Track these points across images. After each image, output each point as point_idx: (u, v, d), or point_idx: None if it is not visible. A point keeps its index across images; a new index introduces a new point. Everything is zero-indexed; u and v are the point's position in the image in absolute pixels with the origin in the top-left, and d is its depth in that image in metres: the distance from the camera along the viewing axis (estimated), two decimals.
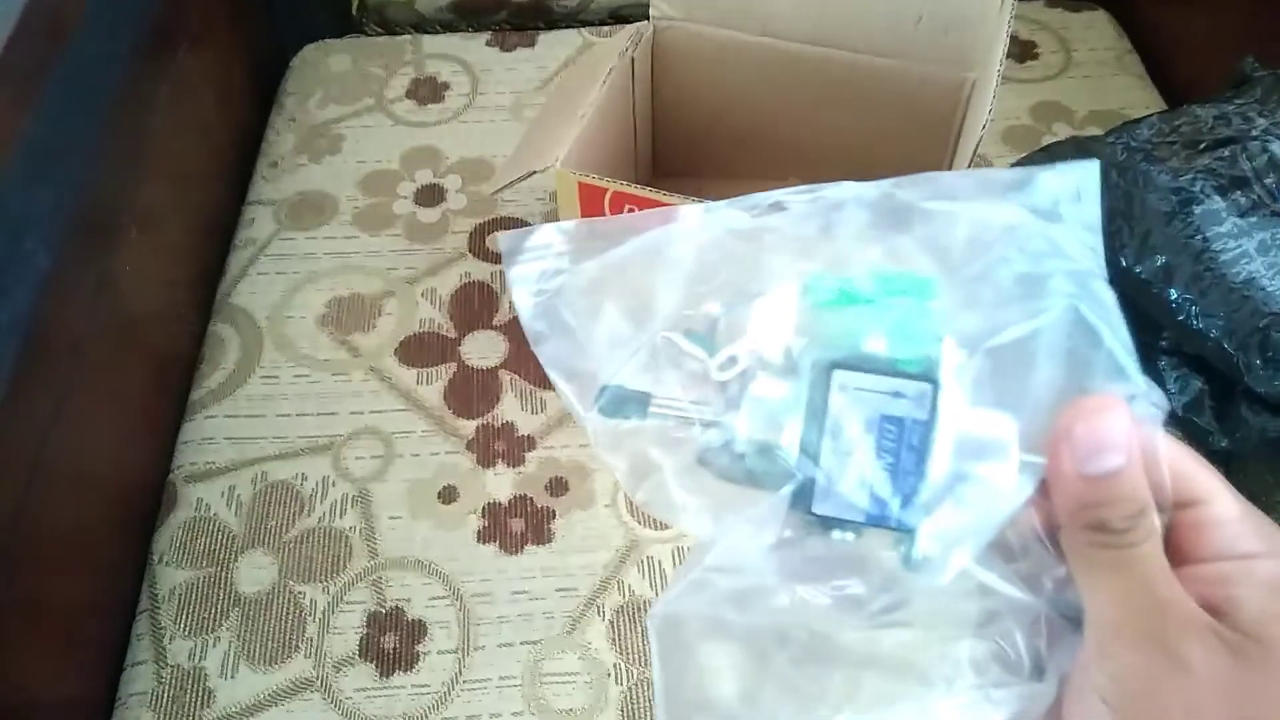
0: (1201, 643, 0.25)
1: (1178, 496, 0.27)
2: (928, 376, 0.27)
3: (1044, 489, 0.27)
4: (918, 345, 0.28)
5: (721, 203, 0.31)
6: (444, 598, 0.69)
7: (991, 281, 0.28)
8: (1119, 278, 0.66)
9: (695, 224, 0.30)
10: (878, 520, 0.27)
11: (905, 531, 0.27)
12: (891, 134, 0.79)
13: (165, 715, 0.64)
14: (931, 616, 0.29)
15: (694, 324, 0.29)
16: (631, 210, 0.68)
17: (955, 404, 0.27)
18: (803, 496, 0.28)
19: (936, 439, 0.27)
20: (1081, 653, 0.27)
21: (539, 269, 0.30)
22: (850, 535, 0.28)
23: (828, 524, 0.28)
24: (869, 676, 0.29)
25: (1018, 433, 0.27)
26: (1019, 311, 0.28)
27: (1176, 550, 0.27)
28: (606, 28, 1.10)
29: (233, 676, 0.66)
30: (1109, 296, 0.28)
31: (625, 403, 0.29)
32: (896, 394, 0.27)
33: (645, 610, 0.69)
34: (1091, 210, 0.30)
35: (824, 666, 0.29)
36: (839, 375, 0.27)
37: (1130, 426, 0.27)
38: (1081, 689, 0.27)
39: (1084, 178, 0.30)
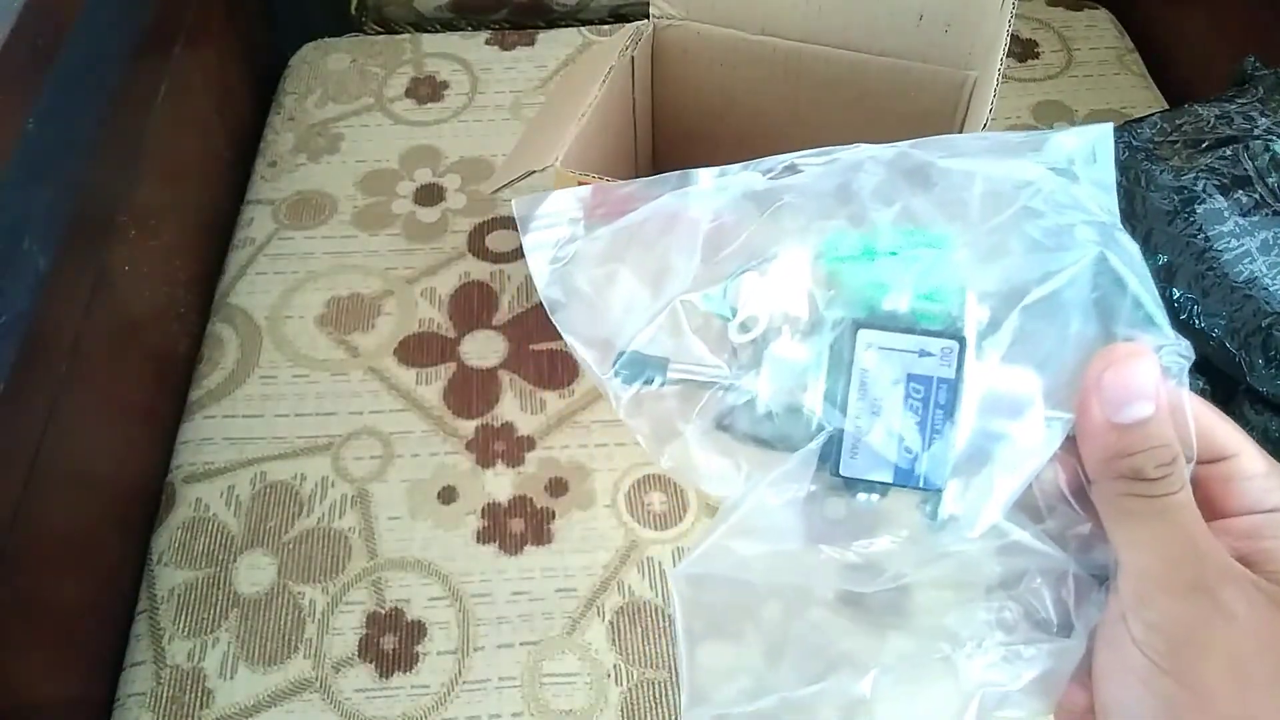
0: (1242, 591, 0.25)
1: (1204, 451, 0.27)
2: (954, 333, 0.27)
3: (1069, 446, 0.27)
4: (942, 299, 0.27)
5: (736, 166, 0.30)
6: (443, 598, 0.69)
7: (1013, 235, 0.28)
8: None
9: (710, 187, 0.30)
10: (905, 480, 0.27)
11: (933, 491, 0.27)
12: (892, 133, 0.79)
13: (164, 716, 0.64)
14: (958, 575, 0.29)
15: (712, 287, 0.29)
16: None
17: (980, 360, 0.27)
18: (828, 456, 0.27)
19: (963, 396, 0.27)
20: (1112, 606, 0.27)
21: (554, 236, 0.30)
22: (876, 497, 0.28)
23: (854, 486, 0.28)
24: (896, 636, 0.29)
25: (1042, 389, 0.27)
26: (1043, 263, 0.28)
27: (1205, 504, 0.27)
28: (606, 27, 1.09)
29: (232, 677, 0.66)
30: (1133, 247, 0.28)
31: (644, 367, 0.29)
32: (923, 352, 0.27)
33: (645, 611, 0.68)
34: (1106, 171, 0.29)
35: (850, 627, 0.29)
36: (865, 334, 0.27)
37: (1159, 375, 0.26)
38: (1115, 641, 0.27)
39: (1099, 139, 0.29)
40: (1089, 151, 0.29)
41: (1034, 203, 0.28)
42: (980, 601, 0.29)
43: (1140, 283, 0.28)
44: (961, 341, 0.27)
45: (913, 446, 0.27)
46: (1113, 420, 0.26)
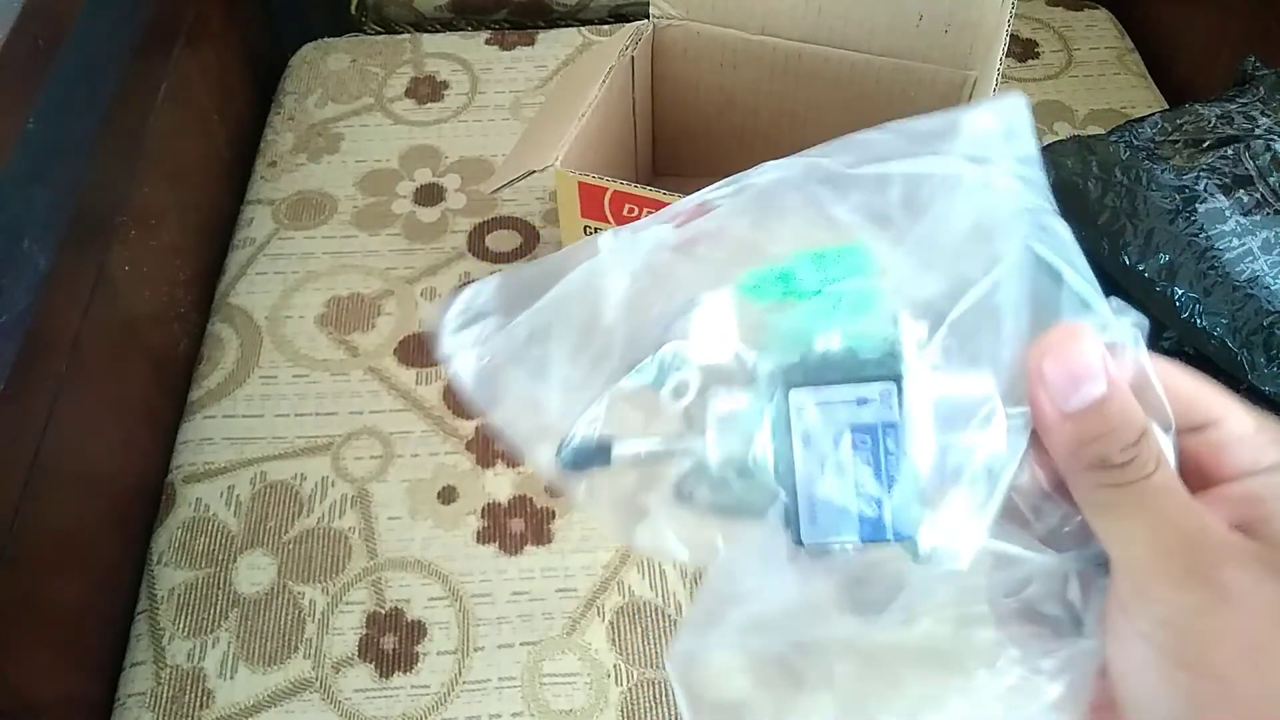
0: (1243, 568, 0.23)
1: (1188, 419, 0.26)
2: (890, 372, 0.26)
3: (1037, 441, 0.26)
4: (873, 328, 0.26)
5: (641, 220, 0.29)
6: (443, 598, 0.69)
7: (940, 239, 0.27)
8: (1122, 276, 0.66)
9: (621, 248, 0.29)
10: (874, 534, 0.26)
11: (905, 539, 0.26)
12: None
13: (164, 716, 0.64)
14: (959, 605, 0.27)
15: (641, 361, 0.27)
16: (632, 210, 0.68)
17: (926, 378, 0.26)
18: (790, 523, 0.26)
19: (914, 431, 0.26)
20: (1113, 602, 0.26)
21: (472, 336, 0.29)
22: (850, 547, 0.26)
23: (822, 552, 0.26)
24: (907, 677, 0.28)
25: (997, 389, 0.26)
26: (975, 263, 0.26)
27: (1197, 475, 0.25)
28: (606, 26, 1.09)
29: (232, 677, 0.66)
30: (1063, 230, 0.27)
31: (588, 455, 0.28)
32: (861, 400, 0.26)
33: (645, 611, 0.68)
34: (1026, 143, 0.28)
35: (859, 674, 0.28)
36: (795, 396, 0.26)
37: (1103, 351, 0.25)
38: (1123, 637, 0.25)
39: (1013, 113, 0.28)
40: (1005, 128, 0.28)
41: (953, 204, 0.27)
42: (984, 624, 0.28)
43: (1073, 268, 0.26)
44: (898, 379, 0.26)
45: (874, 496, 0.26)
46: (1065, 410, 0.25)
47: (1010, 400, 0.26)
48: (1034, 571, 0.27)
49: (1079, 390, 0.25)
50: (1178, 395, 0.26)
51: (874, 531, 0.26)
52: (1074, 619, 0.27)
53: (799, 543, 0.26)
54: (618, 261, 0.29)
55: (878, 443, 0.26)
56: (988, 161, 0.28)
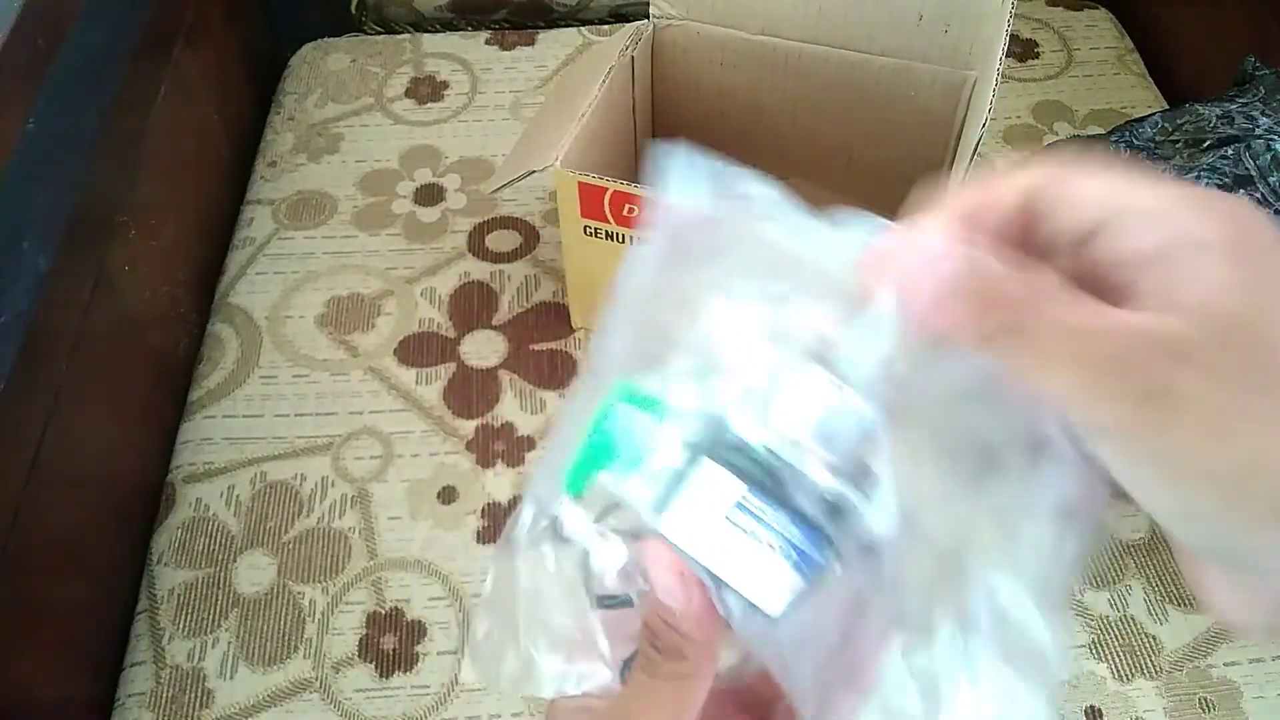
0: (1177, 369, 0.21)
1: (1069, 234, 0.23)
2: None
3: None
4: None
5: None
6: (443, 598, 0.69)
7: None
8: None
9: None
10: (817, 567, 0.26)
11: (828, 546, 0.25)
12: (892, 133, 0.79)
13: (164, 716, 0.64)
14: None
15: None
16: (631, 210, 0.68)
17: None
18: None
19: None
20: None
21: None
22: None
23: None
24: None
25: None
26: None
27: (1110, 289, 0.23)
28: (606, 26, 1.09)
29: (232, 677, 0.66)
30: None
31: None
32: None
33: None
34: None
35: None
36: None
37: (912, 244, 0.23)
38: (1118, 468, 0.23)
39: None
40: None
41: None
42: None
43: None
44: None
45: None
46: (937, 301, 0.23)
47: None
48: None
49: (936, 279, 0.22)
50: (1079, 202, 0.23)
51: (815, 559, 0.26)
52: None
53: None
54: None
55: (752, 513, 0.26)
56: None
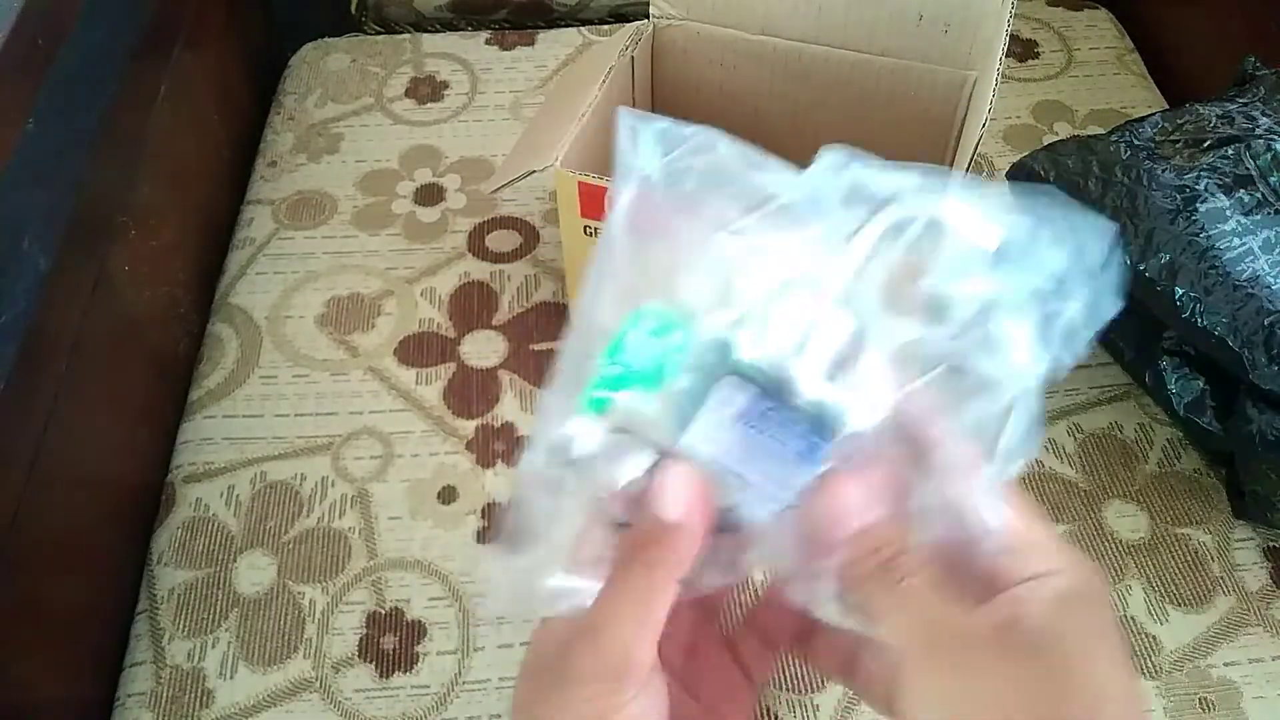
0: (983, 652, 0.29)
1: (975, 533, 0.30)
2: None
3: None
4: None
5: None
6: (443, 598, 0.69)
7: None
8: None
9: None
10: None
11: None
12: (892, 133, 0.79)
13: (164, 716, 0.64)
14: None
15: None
16: None
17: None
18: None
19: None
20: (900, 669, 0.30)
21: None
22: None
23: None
24: None
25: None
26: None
27: (988, 581, 0.30)
28: (606, 26, 1.09)
29: (232, 677, 0.66)
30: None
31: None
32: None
33: None
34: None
35: None
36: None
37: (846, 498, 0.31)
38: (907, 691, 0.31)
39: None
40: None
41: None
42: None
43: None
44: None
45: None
46: (826, 540, 0.31)
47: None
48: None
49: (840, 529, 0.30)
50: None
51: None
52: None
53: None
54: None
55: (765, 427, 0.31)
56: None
